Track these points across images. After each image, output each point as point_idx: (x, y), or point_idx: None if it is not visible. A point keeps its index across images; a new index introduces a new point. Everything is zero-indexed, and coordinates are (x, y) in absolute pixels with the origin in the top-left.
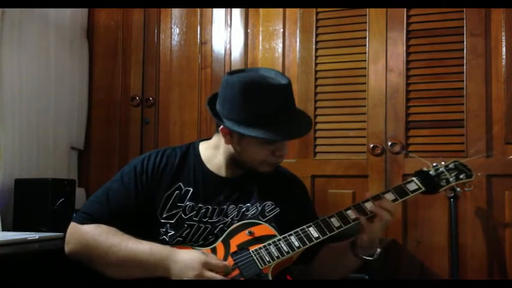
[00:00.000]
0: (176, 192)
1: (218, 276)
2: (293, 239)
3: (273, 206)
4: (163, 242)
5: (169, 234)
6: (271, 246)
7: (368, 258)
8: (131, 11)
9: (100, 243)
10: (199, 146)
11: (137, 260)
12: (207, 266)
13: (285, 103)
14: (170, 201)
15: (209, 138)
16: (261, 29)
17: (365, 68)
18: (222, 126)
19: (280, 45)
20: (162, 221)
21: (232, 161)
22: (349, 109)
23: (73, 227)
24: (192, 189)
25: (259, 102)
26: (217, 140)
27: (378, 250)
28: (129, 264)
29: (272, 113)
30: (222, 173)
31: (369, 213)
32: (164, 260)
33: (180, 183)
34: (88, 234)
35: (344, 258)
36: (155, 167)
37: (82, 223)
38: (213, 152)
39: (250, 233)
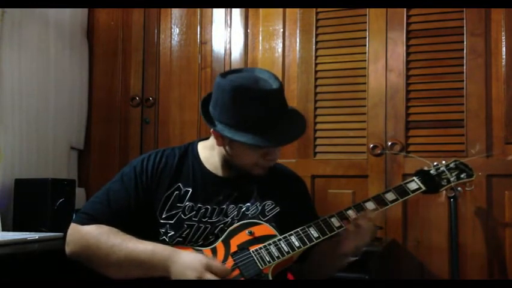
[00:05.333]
0: (176, 192)
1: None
2: (293, 239)
3: (273, 205)
4: (163, 243)
5: (169, 234)
6: (271, 246)
7: (352, 258)
8: (131, 11)
9: (101, 244)
10: (198, 146)
11: (138, 260)
12: (209, 268)
13: (275, 108)
14: (170, 202)
15: (207, 138)
16: (261, 29)
17: (365, 68)
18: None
19: (280, 45)
20: (162, 221)
21: (226, 163)
22: (349, 109)
23: (74, 228)
24: (191, 190)
25: (249, 107)
26: (213, 140)
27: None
28: (130, 264)
29: (262, 118)
30: (220, 173)
31: (344, 226)
32: (165, 260)
33: (179, 184)
34: (89, 235)
35: (330, 258)
36: (155, 167)
37: (83, 224)
38: (210, 153)
39: (251, 233)
